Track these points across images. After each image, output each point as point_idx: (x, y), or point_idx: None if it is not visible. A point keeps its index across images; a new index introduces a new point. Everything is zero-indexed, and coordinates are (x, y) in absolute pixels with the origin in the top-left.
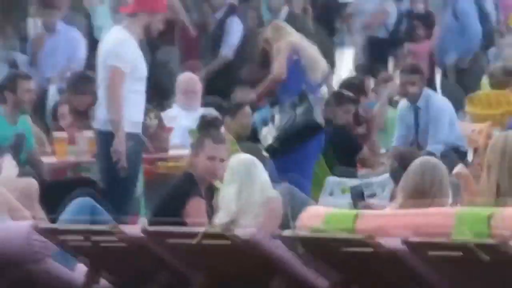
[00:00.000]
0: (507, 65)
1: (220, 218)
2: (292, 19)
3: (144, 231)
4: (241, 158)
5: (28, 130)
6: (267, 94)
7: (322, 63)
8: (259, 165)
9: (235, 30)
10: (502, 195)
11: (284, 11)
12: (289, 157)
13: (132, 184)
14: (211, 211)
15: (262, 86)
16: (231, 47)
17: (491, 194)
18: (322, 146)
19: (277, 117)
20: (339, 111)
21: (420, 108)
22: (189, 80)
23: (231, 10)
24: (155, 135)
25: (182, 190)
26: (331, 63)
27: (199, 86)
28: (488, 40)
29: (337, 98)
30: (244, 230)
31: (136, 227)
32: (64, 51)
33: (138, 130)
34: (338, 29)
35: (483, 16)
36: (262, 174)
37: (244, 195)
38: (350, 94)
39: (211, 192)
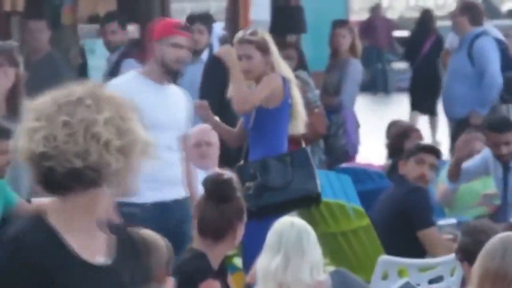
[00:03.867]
0: None
1: None
2: None
3: None
4: (294, 222)
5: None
6: None
7: None
8: (313, 234)
9: None
10: None
11: None
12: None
13: None
14: None
15: None
16: None
17: None
18: None
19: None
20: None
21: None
22: None
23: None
24: None
25: (192, 271)
26: None
27: None
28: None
29: None
30: None
31: None
32: None
33: None
34: None
35: (507, 61)
36: (315, 247)
37: (291, 269)
38: None
39: (223, 268)
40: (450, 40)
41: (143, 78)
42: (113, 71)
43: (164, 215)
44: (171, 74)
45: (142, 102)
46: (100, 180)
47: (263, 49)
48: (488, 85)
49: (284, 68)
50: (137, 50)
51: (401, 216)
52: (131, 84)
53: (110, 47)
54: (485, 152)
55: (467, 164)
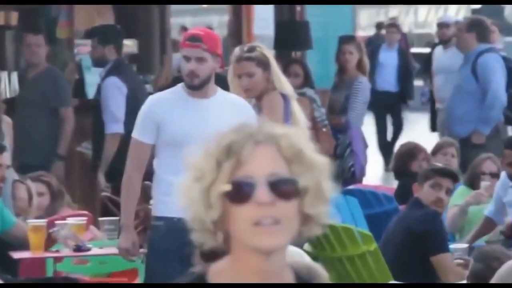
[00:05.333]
0: None
1: None
2: None
3: None
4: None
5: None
6: None
7: None
8: (308, 258)
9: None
10: None
11: None
12: None
13: None
14: None
15: None
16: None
17: None
18: None
19: None
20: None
21: None
22: None
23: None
24: None
25: None
26: None
27: None
28: None
29: None
30: None
31: None
32: None
33: None
34: None
35: None
36: None
37: None
38: None
39: None
40: (437, 60)
41: (182, 92)
42: (98, 89)
43: (188, 230)
44: (190, 88)
45: (172, 117)
46: None
47: (264, 65)
48: (491, 102)
49: (285, 83)
50: (137, 65)
51: (415, 240)
52: (166, 98)
53: (94, 62)
54: (496, 190)
55: (491, 210)
